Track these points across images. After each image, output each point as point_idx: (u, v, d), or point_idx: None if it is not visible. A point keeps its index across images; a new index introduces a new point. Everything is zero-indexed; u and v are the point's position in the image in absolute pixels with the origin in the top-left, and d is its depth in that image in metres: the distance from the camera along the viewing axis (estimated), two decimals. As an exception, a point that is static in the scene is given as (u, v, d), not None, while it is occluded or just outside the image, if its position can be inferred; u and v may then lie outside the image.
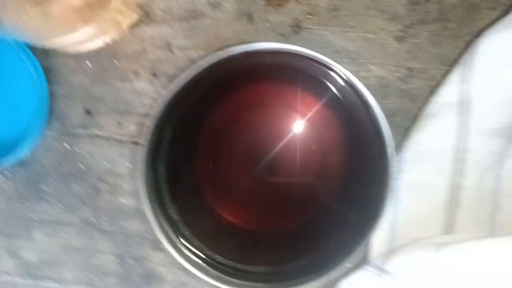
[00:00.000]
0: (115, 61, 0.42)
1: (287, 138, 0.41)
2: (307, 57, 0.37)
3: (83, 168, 0.44)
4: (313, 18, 0.41)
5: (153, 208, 0.40)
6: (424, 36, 0.41)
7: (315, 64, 0.37)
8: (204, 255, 0.42)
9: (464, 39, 0.41)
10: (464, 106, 0.38)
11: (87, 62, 0.43)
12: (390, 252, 0.39)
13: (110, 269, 0.46)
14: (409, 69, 0.41)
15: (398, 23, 0.41)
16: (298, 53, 0.36)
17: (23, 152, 0.43)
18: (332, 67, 0.37)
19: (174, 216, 0.42)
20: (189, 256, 0.41)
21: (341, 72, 0.37)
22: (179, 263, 0.44)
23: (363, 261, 0.42)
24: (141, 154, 0.39)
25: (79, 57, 0.43)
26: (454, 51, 0.41)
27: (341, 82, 0.38)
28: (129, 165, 0.44)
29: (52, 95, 0.43)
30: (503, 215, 0.37)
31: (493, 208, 0.37)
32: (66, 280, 0.46)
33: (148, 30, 0.42)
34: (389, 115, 0.42)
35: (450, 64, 0.41)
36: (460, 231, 0.39)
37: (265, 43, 0.37)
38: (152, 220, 0.40)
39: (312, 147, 0.39)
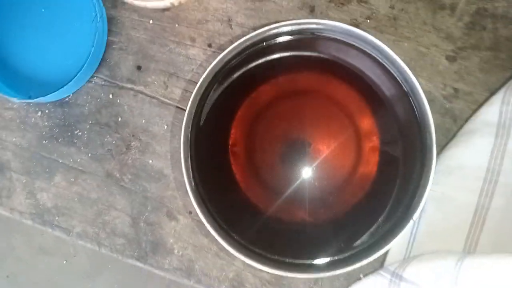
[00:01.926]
0: (176, 24, 0.44)
1: (324, 129, 0.41)
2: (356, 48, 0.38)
3: (120, 121, 0.45)
4: (371, 22, 0.43)
5: (188, 177, 0.39)
6: (474, 61, 0.42)
7: (359, 55, 0.38)
8: (223, 237, 0.40)
9: (513, 71, 0.42)
10: (503, 128, 0.39)
11: (150, 20, 0.44)
12: (408, 259, 0.39)
13: (121, 229, 0.45)
14: (456, 89, 0.42)
15: (452, 43, 0.42)
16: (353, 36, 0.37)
17: (67, 91, 0.44)
18: (372, 53, 0.38)
19: (201, 190, 0.41)
20: (209, 231, 0.40)
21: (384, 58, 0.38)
22: (192, 238, 0.44)
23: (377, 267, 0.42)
24: (184, 120, 0.39)
25: (143, 13, 0.44)
26: (501, 80, 0.42)
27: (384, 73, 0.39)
28: (165, 127, 0.44)
29: (108, 44, 0.45)
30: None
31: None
32: (74, 232, 0.46)
33: (213, 2, 0.44)
34: (428, 129, 0.43)
35: (495, 92, 0.42)
36: (481, 252, 0.38)
37: (324, 20, 0.38)
38: (188, 189, 0.39)
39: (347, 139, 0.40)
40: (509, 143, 0.39)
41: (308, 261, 0.39)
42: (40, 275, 1.19)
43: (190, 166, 0.39)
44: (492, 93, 0.42)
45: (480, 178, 0.40)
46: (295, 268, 0.39)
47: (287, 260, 0.39)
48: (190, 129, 0.39)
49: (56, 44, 0.45)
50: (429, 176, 0.35)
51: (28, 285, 1.19)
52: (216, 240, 0.38)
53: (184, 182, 0.39)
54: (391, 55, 0.36)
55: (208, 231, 0.43)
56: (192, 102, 0.38)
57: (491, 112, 0.40)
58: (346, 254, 0.38)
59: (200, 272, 0.44)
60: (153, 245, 0.45)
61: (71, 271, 1.16)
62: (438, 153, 0.42)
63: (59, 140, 0.46)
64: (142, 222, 0.45)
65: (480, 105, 0.42)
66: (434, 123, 0.42)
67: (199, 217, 0.43)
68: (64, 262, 1.17)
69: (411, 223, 0.36)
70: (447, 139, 0.42)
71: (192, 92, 0.39)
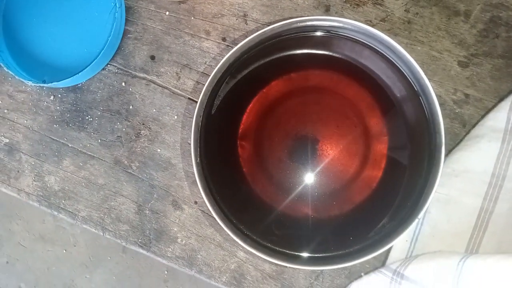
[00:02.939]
0: (192, 17, 0.45)
1: (333, 126, 0.41)
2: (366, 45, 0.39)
3: (131, 109, 0.45)
4: (385, 25, 0.43)
5: (197, 168, 0.39)
6: (486, 68, 0.43)
7: (368, 52, 0.39)
8: (227, 225, 0.40)
9: (524, 79, 0.42)
10: (510, 134, 0.39)
11: (166, 11, 0.45)
12: (410, 258, 0.39)
13: (126, 216, 0.46)
14: (466, 95, 0.43)
15: (465, 49, 0.43)
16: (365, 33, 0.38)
17: (82, 78, 0.44)
18: (385, 54, 0.38)
19: (208, 178, 0.41)
20: (210, 224, 0.40)
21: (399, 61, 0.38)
22: (195, 228, 0.44)
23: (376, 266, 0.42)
24: (196, 110, 0.39)
25: (160, 4, 0.45)
26: (511, 88, 0.42)
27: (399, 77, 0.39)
28: (176, 117, 0.45)
29: (124, 33, 0.45)
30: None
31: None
32: (79, 216, 0.46)
33: (230, -3, 0.44)
34: (436, 133, 0.43)
35: (503, 98, 0.42)
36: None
37: (341, 18, 0.38)
38: (196, 175, 0.39)
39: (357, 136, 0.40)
40: None
41: (311, 255, 0.39)
42: (39, 263, 1.19)
43: (199, 154, 0.39)
44: (502, 100, 0.42)
45: (485, 183, 0.40)
46: (298, 260, 0.39)
47: (289, 252, 0.39)
48: (201, 118, 0.39)
49: (74, 31, 0.46)
50: (436, 176, 0.35)
51: (27, 272, 1.19)
52: (221, 227, 0.39)
53: (191, 172, 0.40)
54: (405, 55, 0.36)
55: (213, 221, 0.44)
56: (204, 93, 0.39)
57: (498, 118, 0.40)
58: (349, 250, 0.38)
59: (202, 262, 0.44)
60: (157, 233, 0.45)
61: (69, 261, 1.17)
62: (445, 156, 0.42)
63: (70, 125, 0.46)
64: (147, 210, 0.45)
65: (489, 111, 0.42)
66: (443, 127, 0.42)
67: (204, 207, 0.44)
68: (64, 251, 1.17)
69: (416, 221, 0.36)
70: (455, 143, 0.42)
71: (204, 84, 0.40)
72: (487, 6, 0.42)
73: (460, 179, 0.41)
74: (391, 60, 0.38)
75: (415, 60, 0.38)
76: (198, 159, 0.39)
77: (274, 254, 0.38)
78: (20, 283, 1.20)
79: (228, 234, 0.39)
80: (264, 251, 0.38)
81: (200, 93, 0.39)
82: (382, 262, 0.42)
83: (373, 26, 0.43)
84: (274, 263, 0.39)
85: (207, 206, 0.39)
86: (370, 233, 0.38)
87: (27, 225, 1.20)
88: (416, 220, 0.36)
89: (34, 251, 1.19)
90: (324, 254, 0.38)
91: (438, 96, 0.43)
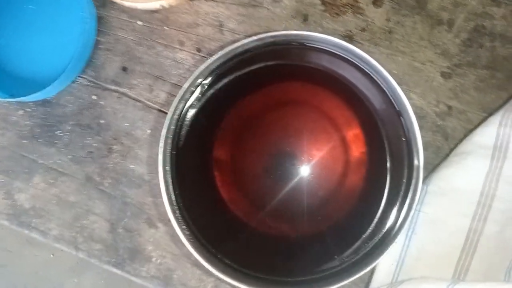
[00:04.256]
0: (165, 27, 0.43)
1: (311, 141, 0.40)
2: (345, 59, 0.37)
3: (103, 123, 0.43)
4: (366, 34, 0.42)
5: (166, 186, 0.37)
6: (470, 79, 0.41)
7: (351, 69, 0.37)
8: (197, 247, 0.39)
9: (509, 91, 0.41)
10: (499, 151, 0.37)
11: (139, 21, 0.43)
12: (395, 284, 0.37)
13: (99, 234, 0.44)
14: (449, 107, 0.41)
15: (448, 60, 0.41)
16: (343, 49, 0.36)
17: (51, 91, 0.42)
18: (364, 67, 0.37)
19: (180, 200, 0.39)
20: (184, 244, 0.39)
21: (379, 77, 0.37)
22: (171, 247, 0.43)
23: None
24: (165, 127, 0.37)
25: (132, 14, 0.43)
26: (496, 100, 0.41)
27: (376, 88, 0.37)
28: (149, 131, 0.43)
29: (95, 44, 0.43)
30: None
31: (511, 259, 0.35)
32: (51, 235, 0.45)
33: (205, 6, 0.42)
34: (418, 147, 0.41)
35: (490, 112, 0.41)
36: (472, 279, 0.37)
37: (315, 34, 0.36)
38: (163, 194, 0.37)
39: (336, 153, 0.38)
40: (505, 166, 0.38)
41: (288, 279, 0.38)
42: (27, 267, 1.17)
43: (169, 174, 0.37)
44: (487, 112, 0.41)
45: (474, 202, 0.38)
46: (275, 285, 0.38)
47: (265, 277, 0.38)
48: (172, 136, 0.38)
49: (43, 42, 0.44)
50: (414, 198, 0.34)
51: (15, 276, 1.18)
52: (191, 253, 0.37)
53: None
54: (382, 71, 0.34)
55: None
56: (174, 107, 0.37)
57: (487, 133, 0.38)
58: (327, 273, 0.36)
59: (178, 282, 0.43)
60: (131, 252, 0.43)
61: (57, 265, 1.15)
62: (430, 172, 0.41)
63: (40, 140, 0.44)
64: (120, 228, 0.44)
65: (476, 126, 0.41)
66: (424, 140, 0.41)
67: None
68: (51, 255, 1.16)
69: (393, 245, 0.34)
70: (437, 157, 0.41)
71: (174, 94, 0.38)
72: (471, 15, 0.41)
73: (447, 198, 0.39)
74: (369, 74, 0.36)
75: (395, 73, 0.37)
76: (170, 180, 0.37)
77: (246, 279, 0.36)
78: (7, 288, 1.19)
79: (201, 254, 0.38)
80: (236, 275, 0.37)
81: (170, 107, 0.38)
82: (365, 284, 0.41)
83: (353, 36, 0.41)
84: None
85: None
86: (349, 254, 0.37)
87: (14, 230, 1.18)
88: (394, 244, 0.34)
89: (22, 256, 1.17)
90: (302, 278, 0.37)
91: (420, 108, 0.41)
